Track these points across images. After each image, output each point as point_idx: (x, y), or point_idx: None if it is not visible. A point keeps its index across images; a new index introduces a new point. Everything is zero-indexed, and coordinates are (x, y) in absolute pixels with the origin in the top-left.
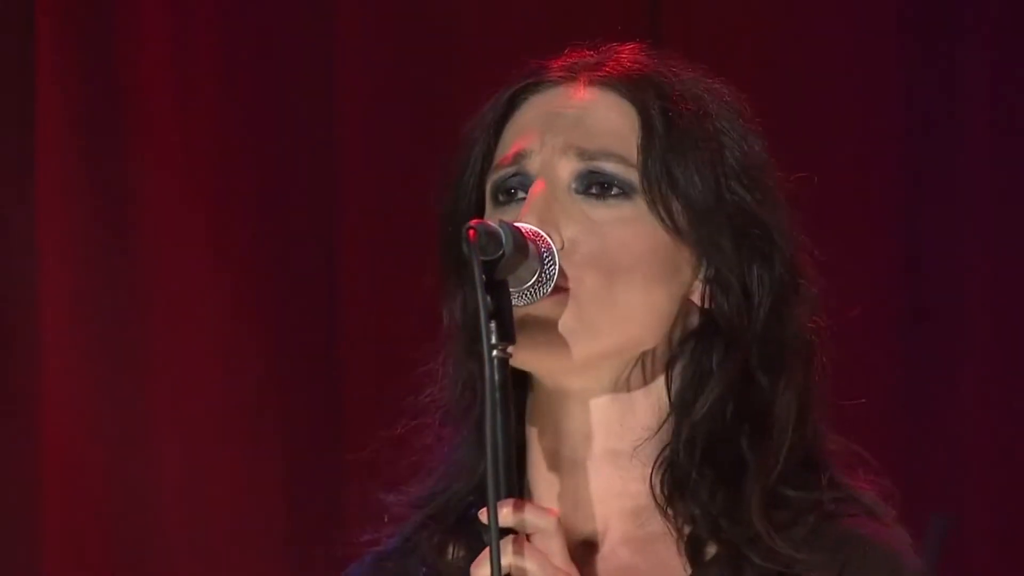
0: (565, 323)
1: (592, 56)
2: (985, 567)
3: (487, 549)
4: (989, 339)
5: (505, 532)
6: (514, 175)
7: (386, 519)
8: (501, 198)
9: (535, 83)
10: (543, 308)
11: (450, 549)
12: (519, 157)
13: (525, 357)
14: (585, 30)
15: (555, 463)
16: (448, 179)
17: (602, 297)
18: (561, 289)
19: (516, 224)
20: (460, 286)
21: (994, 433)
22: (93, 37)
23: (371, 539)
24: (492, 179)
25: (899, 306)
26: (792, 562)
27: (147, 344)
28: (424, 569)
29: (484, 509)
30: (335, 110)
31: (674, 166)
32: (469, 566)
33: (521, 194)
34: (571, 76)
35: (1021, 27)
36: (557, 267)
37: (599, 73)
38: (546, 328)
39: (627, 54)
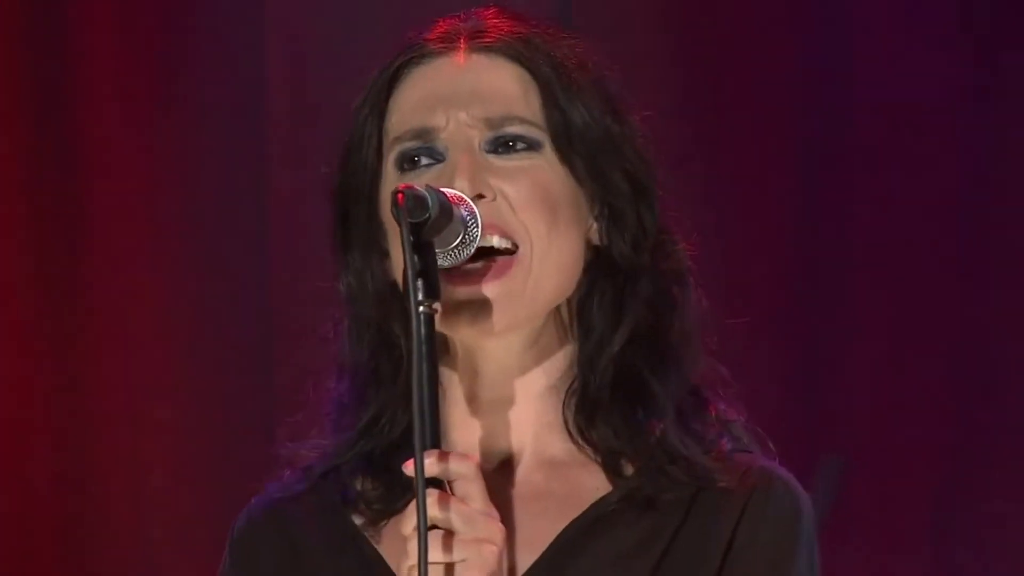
0: (513, 291)
1: (462, 24)
2: (870, 505)
3: (412, 503)
4: (880, 290)
5: (430, 481)
6: (422, 147)
7: (287, 473)
8: (406, 166)
9: (415, 56)
10: (492, 289)
11: (359, 483)
12: (424, 132)
13: (472, 333)
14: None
15: (474, 405)
16: (342, 156)
17: (543, 250)
18: (503, 252)
19: (442, 189)
20: (364, 254)
21: (880, 385)
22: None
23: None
24: (397, 150)
25: (795, 266)
26: (709, 476)
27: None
28: (325, 510)
29: (410, 460)
30: (267, 75)
31: (571, 116)
32: (379, 500)
33: (425, 160)
34: (451, 46)
35: None
36: (480, 229)
37: (483, 40)
38: (493, 306)
39: (498, 19)
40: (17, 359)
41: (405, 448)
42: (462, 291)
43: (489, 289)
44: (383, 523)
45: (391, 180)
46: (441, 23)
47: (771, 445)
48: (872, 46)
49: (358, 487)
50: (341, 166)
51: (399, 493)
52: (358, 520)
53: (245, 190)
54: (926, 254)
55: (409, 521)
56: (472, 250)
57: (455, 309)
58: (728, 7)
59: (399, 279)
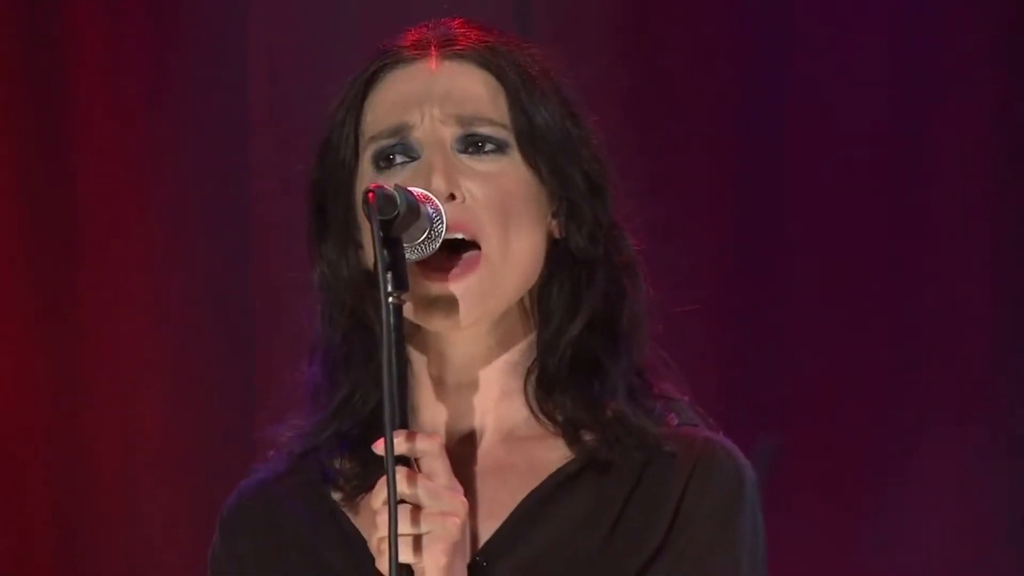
0: (479, 288)
1: (432, 32)
2: (805, 482)
3: (382, 479)
4: (814, 280)
5: (398, 459)
6: (396, 144)
7: (271, 453)
8: (382, 164)
9: (390, 61)
10: (460, 286)
11: (337, 462)
12: (400, 129)
13: (445, 324)
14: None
15: (441, 387)
16: (319, 155)
17: (503, 249)
18: (471, 247)
19: (409, 188)
20: (338, 245)
21: (818, 362)
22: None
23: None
24: (373, 148)
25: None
26: (659, 445)
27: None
28: (308, 488)
29: (380, 440)
30: (250, 76)
31: (535, 119)
32: (356, 476)
33: (400, 159)
34: (424, 52)
35: None
36: (444, 225)
37: (454, 48)
38: (461, 302)
39: (465, 28)
40: (11, 358)
41: (378, 427)
42: (435, 287)
43: (458, 286)
44: (360, 498)
45: (367, 177)
46: (412, 32)
47: (711, 421)
48: (809, 49)
49: (336, 465)
50: (318, 164)
51: (374, 470)
52: (337, 496)
53: (229, 191)
54: (859, 244)
55: (379, 496)
56: (437, 245)
57: (429, 304)
58: (674, 9)
59: (372, 269)
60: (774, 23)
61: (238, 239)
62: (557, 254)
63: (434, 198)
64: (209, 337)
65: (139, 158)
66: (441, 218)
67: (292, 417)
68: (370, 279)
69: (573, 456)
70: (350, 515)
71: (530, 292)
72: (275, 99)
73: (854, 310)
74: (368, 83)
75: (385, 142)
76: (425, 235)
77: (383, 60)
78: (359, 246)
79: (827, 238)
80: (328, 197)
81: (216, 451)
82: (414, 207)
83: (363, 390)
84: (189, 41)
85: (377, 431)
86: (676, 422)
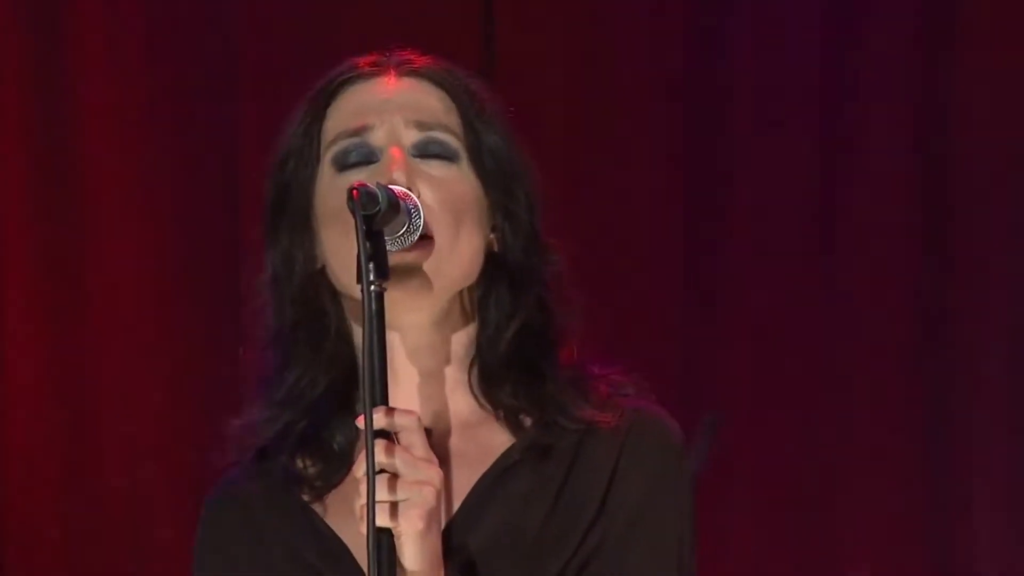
0: (430, 267)
1: (388, 55)
2: (747, 456)
3: (363, 453)
4: (751, 272)
5: (378, 433)
6: (357, 145)
7: (234, 443)
8: (341, 166)
9: (349, 77)
10: (415, 258)
11: (299, 463)
12: (361, 130)
13: (400, 295)
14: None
15: (392, 381)
16: (281, 157)
17: (452, 243)
18: (427, 238)
19: (390, 186)
20: (292, 239)
21: (755, 338)
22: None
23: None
24: (333, 150)
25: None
26: (592, 420)
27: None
28: (275, 489)
29: (361, 416)
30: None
31: (484, 136)
32: (319, 476)
33: (360, 159)
34: (381, 70)
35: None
36: (422, 220)
37: (411, 66)
38: (416, 273)
39: (417, 54)
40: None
41: (334, 421)
42: (394, 258)
43: (416, 257)
44: (328, 496)
45: (327, 178)
46: (368, 56)
47: (645, 386)
48: (745, 51)
49: (299, 466)
50: (280, 165)
51: (336, 467)
52: (305, 496)
53: (219, 191)
54: (792, 238)
55: (360, 466)
56: (416, 237)
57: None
58: (622, 14)
59: (332, 263)
60: (714, 24)
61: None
62: (495, 263)
63: (412, 195)
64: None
65: (138, 161)
66: (419, 213)
67: (247, 408)
68: (323, 270)
69: (516, 440)
70: (320, 513)
71: (471, 294)
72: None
73: (790, 302)
74: (331, 94)
75: (346, 142)
76: (404, 228)
77: (345, 75)
78: (313, 241)
79: (764, 237)
80: (288, 197)
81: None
82: (394, 203)
83: (311, 376)
84: (182, 50)
85: (336, 425)
86: (609, 393)
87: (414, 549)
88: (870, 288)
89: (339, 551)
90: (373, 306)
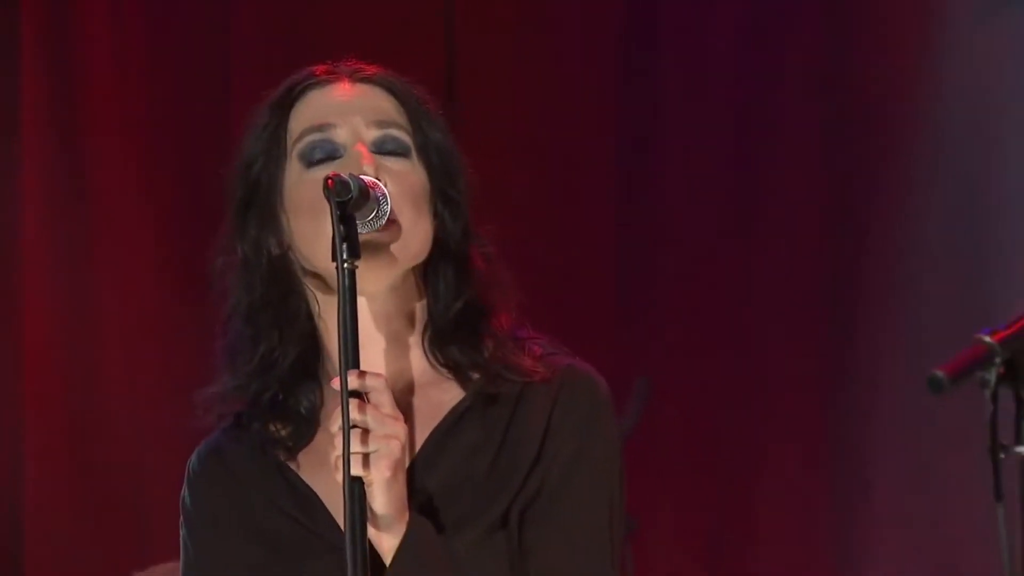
0: (396, 246)
1: (339, 65)
2: (674, 416)
3: (338, 409)
4: (681, 263)
5: (351, 393)
6: (321, 141)
7: (200, 412)
8: (308, 161)
9: (309, 84)
10: (385, 237)
11: (271, 427)
12: (325, 127)
13: (369, 270)
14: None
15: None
16: (247, 157)
17: (412, 226)
18: (393, 222)
19: (361, 176)
20: (260, 227)
21: (681, 309)
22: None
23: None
24: (299, 147)
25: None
26: (530, 373)
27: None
28: (254, 452)
29: (337, 378)
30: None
31: (430, 134)
32: (290, 438)
33: (324, 155)
34: (336, 77)
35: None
36: (390, 206)
37: (363, 74)
38: (385, 251)
39: (366, 63)
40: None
41: (300, 388)
42: (365, 236)
43: (382, 237)
44: (300, 454)
45: (296, 173)
46: (322, 65)
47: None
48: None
49: (271, 430)
50: (247, 165)
51: (304, 429)
52: (280, 455)
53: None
54: (710, 217)
55: (335, 422)
56: (384, 221)
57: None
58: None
59: (306, 244)
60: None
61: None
62: (439, 247)
63: (380, 185)
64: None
65: (142, 170)
66: (387, 200)
67: (218, 378)
68: (289, 254)
69: (464, 394)
70: (294, 468)
71: (419, 272)
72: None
73: (708, 275)
74: (293, 99)
75: (311, 137)
76: (374, 214)
77: (305, 81)
78: (279, 228)
79: (687, 213)
80: (257, 191)
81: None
82: (365, 192)
83: (281, 348)
84: (176, 70)
85: (302, 391)
86: (542, 353)
87: (383, 495)
88: (783, 268)
89: (312, 500)
90: (346, 281)
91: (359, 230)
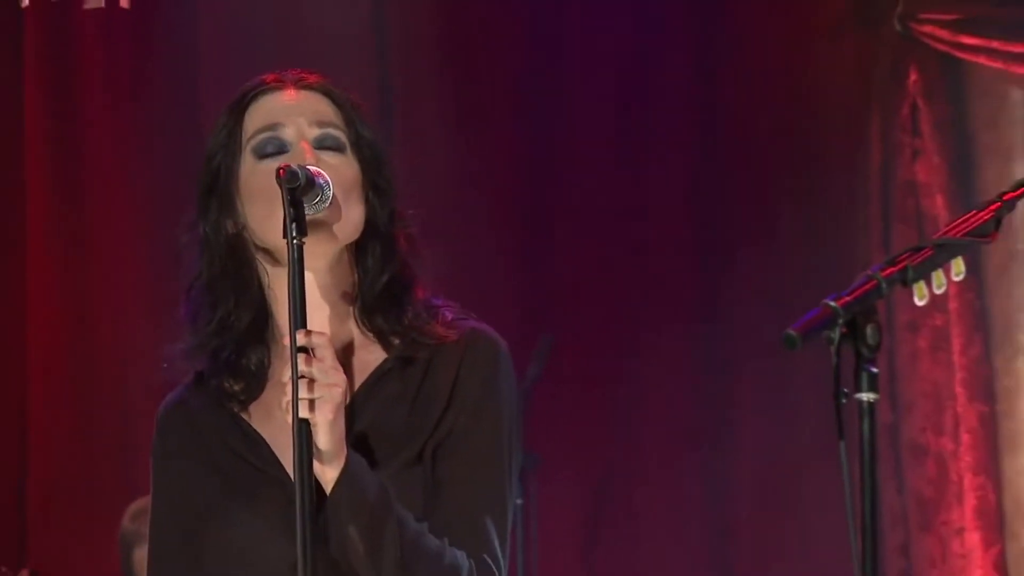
0: (337, 226)
1: (286, 75)
2: (573, 366)
3: (286, 366)
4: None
5: (299, 348)
6: (270, 138)
7: (165, 365)
8: (260, 155)
9: (260, 90)
10: (326, 218)
11: (227, 384)
12: (275, 127)
13: (313, 244)
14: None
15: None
16: (209, 153)
17: (348, 209)
18: (336, 206)
19: (307, 167)
20: (219, 211)
21: (584, 272)
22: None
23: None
24: (252, 143)
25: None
26: (441, 337)
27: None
28: (211, 402)
29: (287, 337)
30: None
31: (362, 133)
32: (242, 392)
33: (275, 150)
34: (283, 85)
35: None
36: (332, 192)
37: (305, 83)
38: (326, 229)
39: (307, 72)
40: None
41: (251, 349)
42: (310, 218)
43: (324, 217)
44: (249, 406)
45: (249, 165)
46: (270, 75)
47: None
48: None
49: (226, 386)
50: (209, 159)
51: (254, 385)
52: (234, 407)
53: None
54: (601, 199)
55: (285, 373)
56: (327, 204)
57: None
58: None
59: (258, 224)
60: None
61: None
62: (369, 228)
63: (324, 173)
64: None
65: (134, 187)
66: (329, 186)
67: (182, 338)
68: (244, 233)
69: (387, 356)
70: (246, 418)
71: (352, 252)
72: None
73: (600, 242)
74: (246, 104)
75: (263, 135)
76: (319, 198)
77: (256, 89)
78: (235, 212)
79: (587, 199)
80: (217, 180)
81: None
82: (310, 179)
83: (237, 313)
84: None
85: (247, 349)
86: (451, 318)
87: (326, 434)
88: (663, 246)
89: (260, 443)
90: (295, 255)
91: (305, 211)
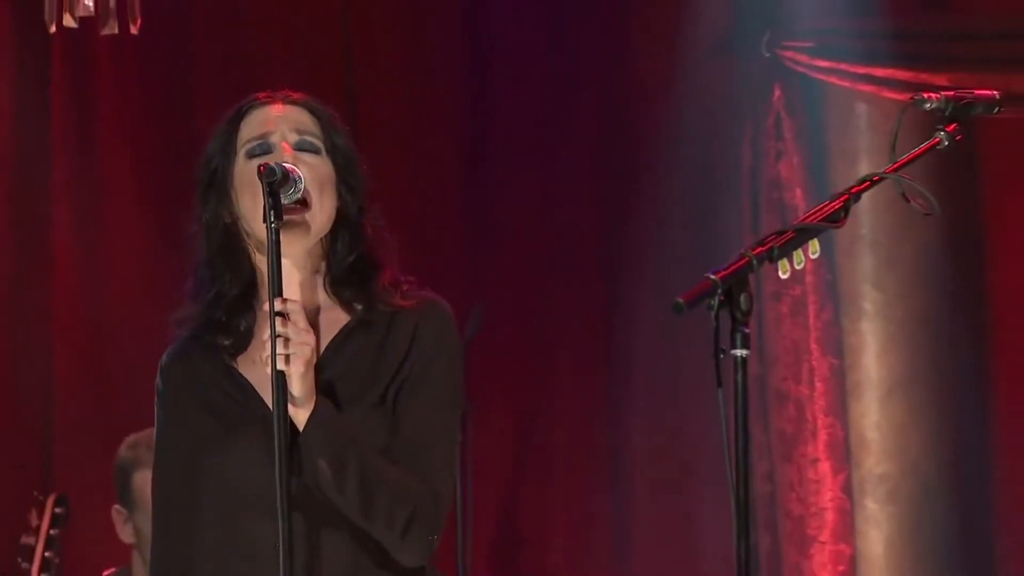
0: (309, 218)
1: (274, 92)
2: (505, 329)
3: (266, 327)
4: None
5: (276, 313)
6: (259, 143)
7: (177, 325)
8: (250, 156)
9: (253, 105)
10: (301, 216)
11: (219, 339)
12: (264, 135)
13: (295, 232)
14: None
15: (284, 282)
16: (208, 155)
17: (319, 203)
18: (305, 199)
19: (284, 164)
20: (217, 203)
21: (510, 255)
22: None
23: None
24: (246, 147)
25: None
26: (399, 305)
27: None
28: (207, 350)
29: (267, 303)
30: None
31: (336, 141)
32: (232, 347)
33: (258, 151)
34: (272, 100)
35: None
36: (303, 185)
37: (291, 99)
38: (301, 224)
39: (295, 91)
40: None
41: (240, 313)
42: (288, 216)
43: (301, 215)
44: (238, 358)
45: (242, 164)
46: (263, 92)
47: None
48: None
49: (220, 341)
50: (209, 160)
51: (242, 341)
52: (225, 358)
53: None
54: (531, 188)
55: (265, 332)
56: (299, 195)
57: (286, 227)
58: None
59: (246, 212)
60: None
61: None
62: (341, 219)
63: (297, 169)
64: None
65: (149, 191)
66: (301, 180)
67: (185, 304)
68: (237, 221)
69: (351, 318)
70: (235, 367)
71: (326, 239)
72: None
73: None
74: (242, 115)
75: (254, 141)
76: (293, 190)
77: (250, 103)
78: (230, 204)
79: (531, 187)
80: (215, 178)
81: None
82: (286, 174)
83: (228, 285)
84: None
85: (237, 313)
86: (410, 291)
87: (299, 384)
88: (576, 234)
89: (246, 386)
90: (273, 236)
91: (282, 200)
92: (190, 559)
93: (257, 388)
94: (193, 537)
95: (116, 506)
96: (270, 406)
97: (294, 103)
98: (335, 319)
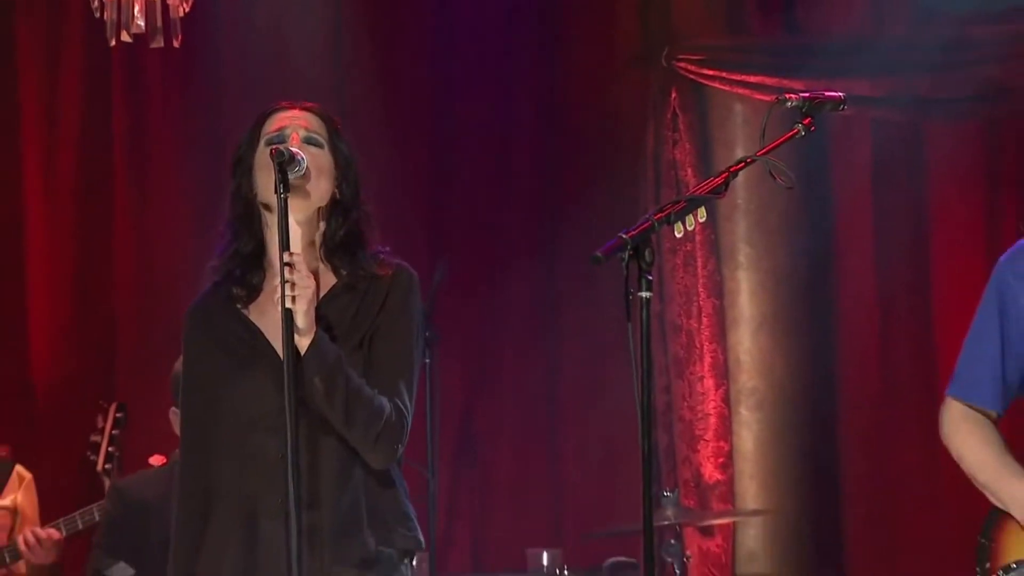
0: (309, 187)
1: (293, 101)
2: (462, 281)
3: (275, 280)
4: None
5: (285, 264)
6: (276, 135)
7: (211, 272)
8: (270, 143)
9: (276, 109)
10: (302, 182)
11: (235, 291)
12: (280, 129)
13: (297, 202)
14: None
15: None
16: (239, 147)
17: (317, 180)
18: (306, 175)
19: (291, 148)
20: (244, 179)
21: (468, 224)
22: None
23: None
24: (265, 138)
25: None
26: (378, 269)
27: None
28: (226, 298)
29: (276, 255)
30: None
31: (336, 141)
32: (245, 296)
33: (275, 140)
34: (290, 107)
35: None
36: (306, 164)
37: (306, 106)
38: (305, 190)
39: (309, 101)
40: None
41: (253, 268)
42: (292, 181)
43: (301, 182)
44: (250, 306)
45: (261, 150)
46: (284, 100)
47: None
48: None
49: (235, 292)
50: (239, 147)
51: (254, 291)
52: (239, 306)
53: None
54: (480, 192)
55: (272, 284)
56: (302, 173)
57: (292, 191)
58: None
59: (262, 187)
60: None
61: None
62: (336, 202)
63: (301, 153)
64: None
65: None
66: (304, 160)
67: (212, 260)
68: (255, 192)
69: (338, 281)
70: (247, 314)
71: (323, 218)
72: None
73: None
74: (265, 117)
75: (272, 134)
76: (297, 168)
77: (273, 108)
78: (252, 180)
79: (487, 178)
80: (242, 162)
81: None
82: (292, 156)
83: (245, 244)
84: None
85: (250, 268)
86: (386, 259)
87: (303, 318)
88: (521, 206)
89: (255, 331)
90: (282, 205)
91: (289, 176)
92: (211, 467)
93: (264, 331)
94: (214, 451)
95: (173, 408)
96: (275, 347)
97: (308, 110)
98: (326, 281)
